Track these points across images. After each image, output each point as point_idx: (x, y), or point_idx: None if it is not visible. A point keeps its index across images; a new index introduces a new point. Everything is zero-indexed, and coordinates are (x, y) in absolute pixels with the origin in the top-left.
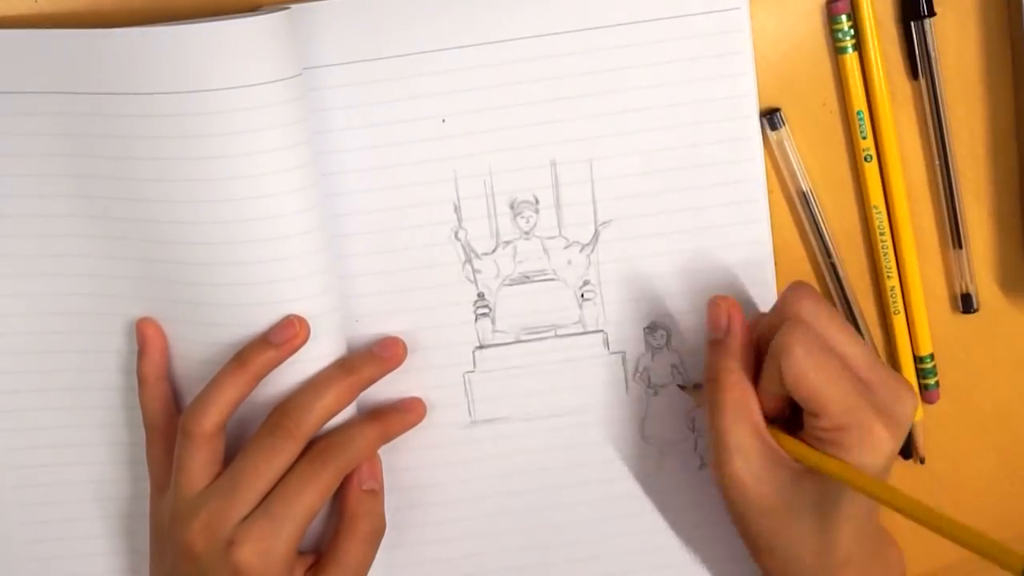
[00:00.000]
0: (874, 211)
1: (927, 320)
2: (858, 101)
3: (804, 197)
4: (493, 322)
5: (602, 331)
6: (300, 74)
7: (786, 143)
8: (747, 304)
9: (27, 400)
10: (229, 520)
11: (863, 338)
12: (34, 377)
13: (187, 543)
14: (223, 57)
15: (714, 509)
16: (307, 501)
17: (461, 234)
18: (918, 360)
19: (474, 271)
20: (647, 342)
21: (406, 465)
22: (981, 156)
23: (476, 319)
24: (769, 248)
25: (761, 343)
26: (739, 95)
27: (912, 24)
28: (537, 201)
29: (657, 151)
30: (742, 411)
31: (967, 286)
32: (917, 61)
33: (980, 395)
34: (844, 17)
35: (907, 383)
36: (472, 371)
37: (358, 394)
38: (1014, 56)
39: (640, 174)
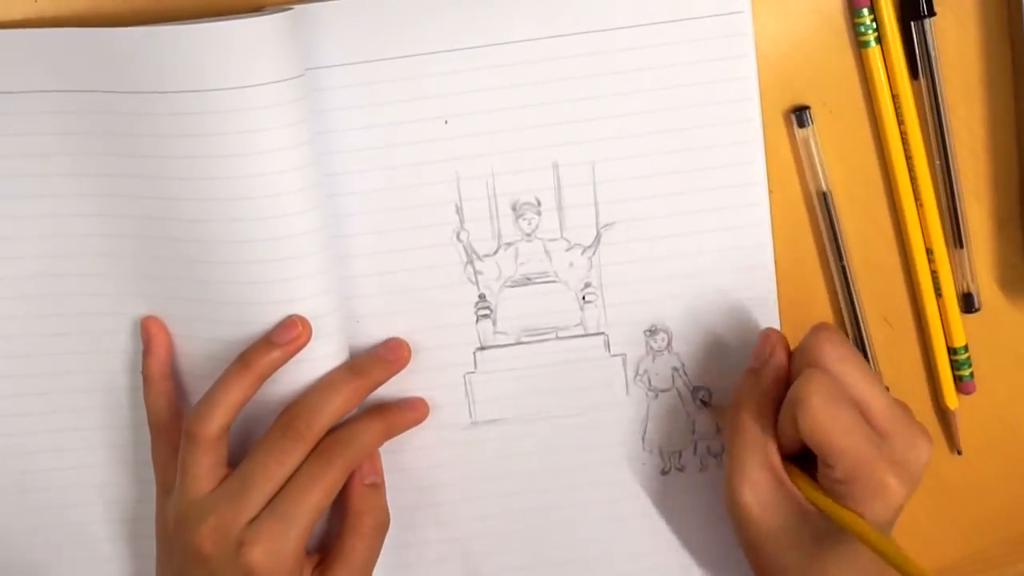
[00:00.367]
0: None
1: (957, 313)
2: (883, 94)
3: (824, 197)
4: (494, 323)
5: (603, 333)
6: (303, 74)
7: (811, 141)
8: (746, 306)
9: (32, 403)
10: (239, 522)
11: (882, 384)
12: (37, 380)
13: (196, 546)
14: (226, 57)
15: (714, 511)
16: (315, 499)
17: (463, 235)
18: (952, 352)
19: (476, 272)
20: (648, 345)
21: (407, 466)
22: (981, 156)
23: (477, 320)
24: (770, 252)
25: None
26: (741, 98)
27: (912, 24)
28: (539, 203)
29: (659, 154)
30: (759, 445)
31: (968, 285)
32: (917, 61)
33: (981, 395)
34: (866, 11)
35: (924, 430)
36: (473, 372)
37: (366, 396)
38: (1014, 56)
39: (642, 177)
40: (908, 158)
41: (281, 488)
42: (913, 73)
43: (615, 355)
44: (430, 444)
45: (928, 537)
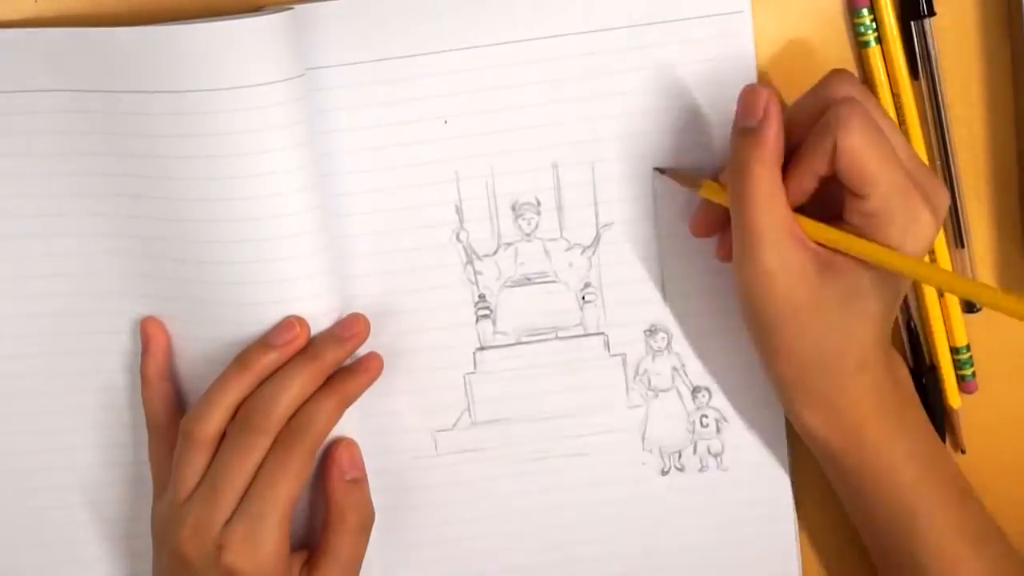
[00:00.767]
0: None
1: (959, 312)
2: (884, 93)
3: None
4: (494, 324)
5: (603, 333)
6: (302, 74)
7: None
8: None
9: (30, 403)
10: (214, 524)
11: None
12: (36, 379)
13: (179, 552)
14: (225, 57)
15: (713, 511)
16: (283, 492)
17: (463, 235)
18: (954, 351)
19: (475, 273)
20: (648, 345)
21: (406, 466)
22: (981, 156)
23: (477, 320)
24: None
25: (795, 128)
26: None
27: (912, 24)
28: (539, 203)
29: (659, 154)
30: (774, 202)
31: None
32: (917, 61)
33: (983, 394)
34: (866, 11)
35: (940, 180)
36: (473, 372)
37: (323, 378)
38: (1014, 56)
39: (642, 177)
40: None
41: (248, 486)
42: (913, 73)
43: (615, 355)
44: (429, 445)
45: None
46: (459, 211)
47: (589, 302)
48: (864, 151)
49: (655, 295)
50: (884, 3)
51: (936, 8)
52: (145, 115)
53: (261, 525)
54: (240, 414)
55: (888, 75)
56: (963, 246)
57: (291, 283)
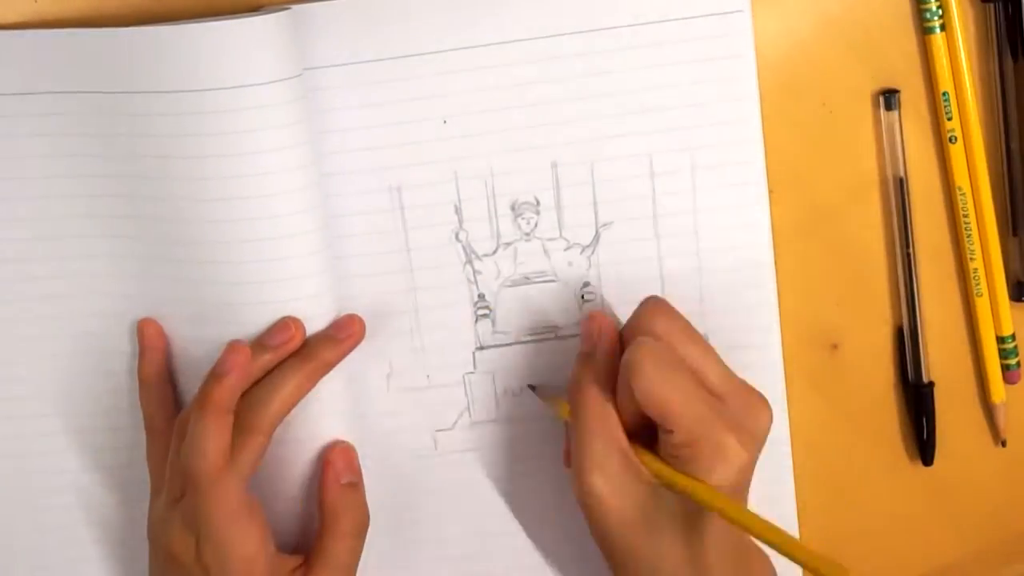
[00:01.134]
0: (958, 192)
1: (1007, 300)
2: (944, 82)
3: (900, 183)
4: (493, 323)
5: None
6: (301, 74)
7: (896, 126)
8: (745, 306)
9: (28, 406)
10: None
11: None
12: (34, 382)
13: (171, 552)
14: (224, 57)
15: None
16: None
17: (462, 235)
18: (1000, 340)
19: (475, 272)
20: None
21: (405, 466)
22: None
23: (476, 320)
24: (769, 251)
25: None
26: (741, 98)
27: (1009, 4)
28: (538, 203)
29: (658, 153)
30: (601, 424)
31: (1022, 274)
32: (1020, 42)
33: None
34: None
35: (762, 397)
36: (473, 372)
37: (319, 379)
38: None
39: (641, 176)
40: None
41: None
42: (1014, 55)
43: None
44: (429, 444)
45: (928, 537)
46: (459, 211)
47: (588, 301)
48: (658, 390)
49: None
50: None
51: None
52: (144, 115)
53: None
54: (234, 412)
55: (951, 62)
56: (1017, 235)
57: (289, 283)
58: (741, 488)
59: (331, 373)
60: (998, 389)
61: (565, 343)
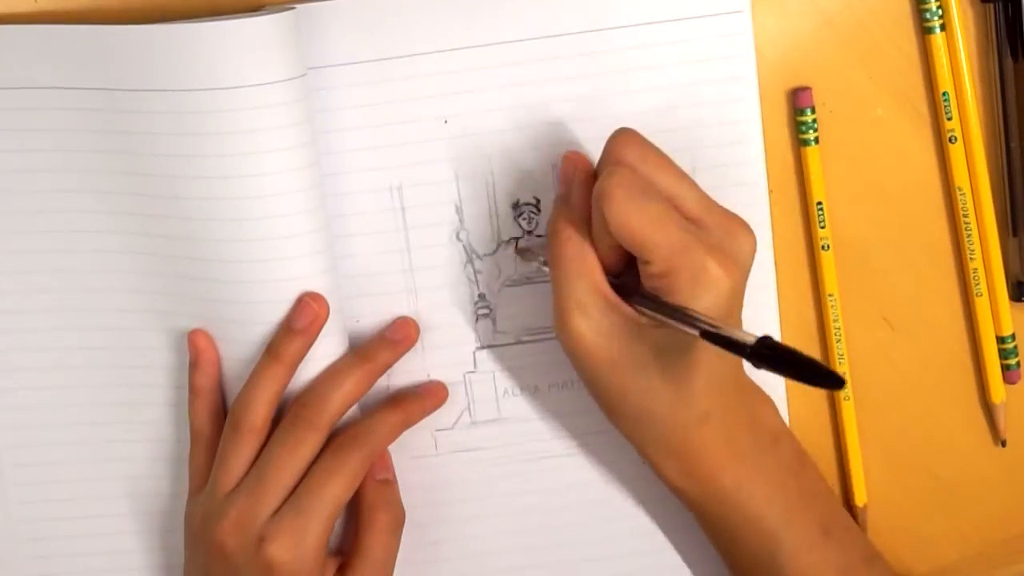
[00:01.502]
0: (958, 192)
1: (1007, 300)
2: (944, 82)
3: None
4: (494, 323)
5: None
6: (304, 74)
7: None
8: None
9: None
10: (258, 516)
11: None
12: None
13: (219, 542)
14: (228, 56)
15: None
16: (333, 492)
17: (463, 235)
18: (1000, 340)
19: (475, 272)
20: None
21: (406, 466)
22: None
23: (477, 320)
24: (770, 251)
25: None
26: (741, 98)
27: (1009, 4)
28: (539, 202)
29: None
30: (580, 265)
31: (1022, 274)
32: (1019, 42)
33: None
34: None
35: (743, 222)
36: (473, 372)
37: (375, 380)
38: None
39: None
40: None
41: (299, 483)
42: (1014, 55)
43: None
44: (430, 444)
45: (928, 537)
46: (459, 211)
47: None
48: (630, 219)
49: None
50: None
51: None
52: (146, 113)
53: (307, 521)
54: (292, 408)
55: (951, 63)
56: (1017, 235)
57: (292, 282)
58: (730, 317)
59: None
60: (998, 389)
61: None
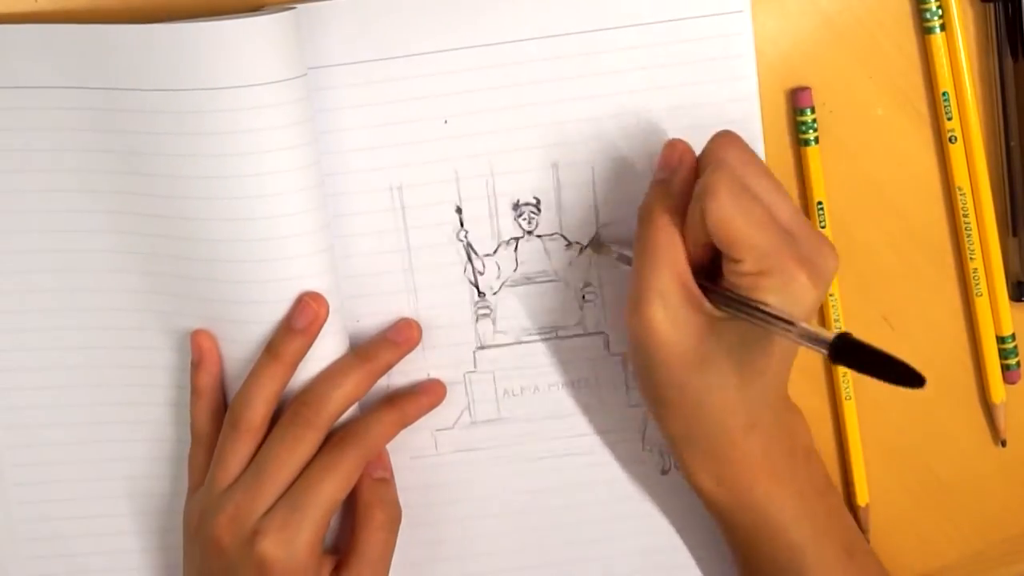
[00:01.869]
0: (958, 192)
1: (1007, 300)
2: (944, 82)
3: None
4: (494, 323)
5: (603, 333)
6: (305, 74)
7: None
8: None
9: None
10: (254, 512)
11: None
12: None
13: (215, 537)
14: (228, 56)
15: None
16: (328, 490)
17: (463, 235)
18: (1000, 340)
19: (475, 272)
20: None
21: (406, 465)
22: None
23: (477, 320)
24: None
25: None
26: (741, 98)
27: (1009, 4)
28: (539, 202)
29: (658, 153)
30: (669, 253)
31: (1022, 274)
32: (1019, 42)
33: None
34: None
35: (829, 241)
36: (473, 372)
37: (376, 380)
38: None
39: (642, 177)
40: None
41: (296, 479)
42: (1014, 55)
43: (615, 354)
44: (429, 444)
45: (928, 537)
46: (459, 211)
47: (589, 301)
48: (732, 217)
49: None
50: None
51: None
52: (146, 113)
53: (301, 517)
54: (291, 407)
55: (951, 62)
56: (1017, 235)
57: (291, 283)
58: None
59: None
60: (998, 389)
61: (566, 343)
